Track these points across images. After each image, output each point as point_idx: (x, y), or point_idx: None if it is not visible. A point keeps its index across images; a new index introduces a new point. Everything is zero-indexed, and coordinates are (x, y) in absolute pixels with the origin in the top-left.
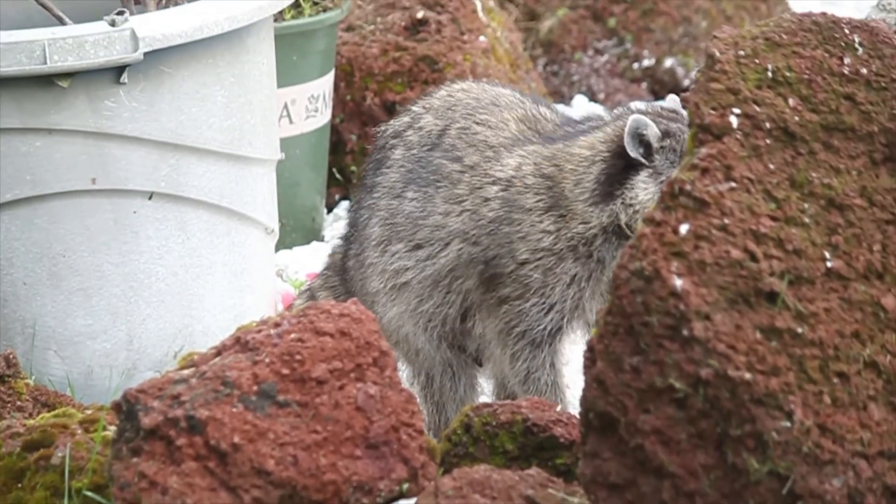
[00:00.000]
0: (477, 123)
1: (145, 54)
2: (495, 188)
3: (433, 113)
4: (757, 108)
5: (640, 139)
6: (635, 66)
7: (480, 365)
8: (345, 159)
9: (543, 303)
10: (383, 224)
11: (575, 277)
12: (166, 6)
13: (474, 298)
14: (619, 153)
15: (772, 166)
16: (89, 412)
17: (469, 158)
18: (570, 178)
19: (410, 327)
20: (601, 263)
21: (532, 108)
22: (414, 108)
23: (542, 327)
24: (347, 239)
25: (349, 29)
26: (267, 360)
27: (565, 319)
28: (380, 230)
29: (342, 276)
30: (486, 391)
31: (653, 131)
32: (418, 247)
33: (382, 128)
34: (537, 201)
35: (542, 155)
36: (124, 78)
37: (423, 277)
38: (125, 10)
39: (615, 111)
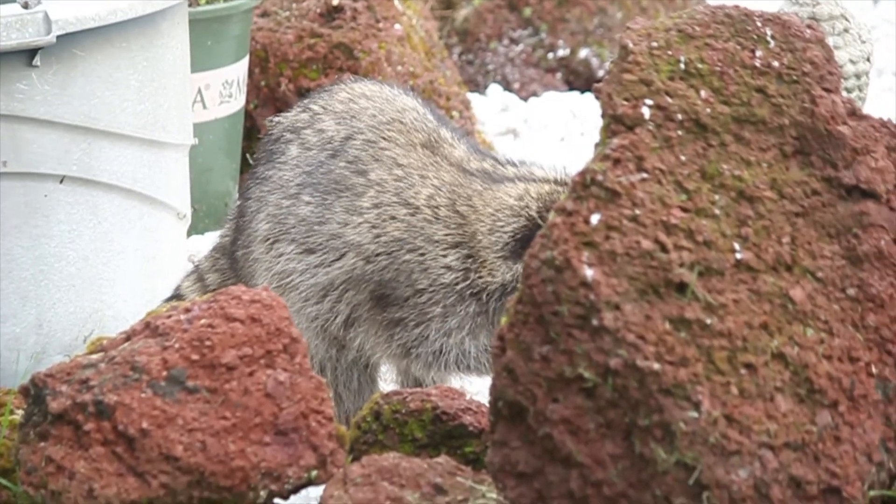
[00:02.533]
0: (384, 139)
1: (58, 37)
2: (404, 211)
3: (334, 117)
4: (669, 100)
5: None
6: (550, 56)
7: (366, 367)
8: (258, 145)
9: (442, 328)
10: (272, 221)
11: (474, 315)
12: None
13: (361, 313)
14: (546, 218)
15: (683, 158)
16: None
17: (375, 174)
18: (487, 223)
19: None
20: (494, 317)
21: (434, 131)
22: (313, 107)
23: (440, 344)
24: (236, 226)
25: (264, 15)
26: (177, 345)
27: (467, 339)
28: (267, 226)
29: (231, 261)
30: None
31: None
32: (310, 251)
33: (277, 119)
34: (446, 235)
35: (459, 192)
36: (37, 61)
37: (313, 283)
38: None
39: (551, 168)
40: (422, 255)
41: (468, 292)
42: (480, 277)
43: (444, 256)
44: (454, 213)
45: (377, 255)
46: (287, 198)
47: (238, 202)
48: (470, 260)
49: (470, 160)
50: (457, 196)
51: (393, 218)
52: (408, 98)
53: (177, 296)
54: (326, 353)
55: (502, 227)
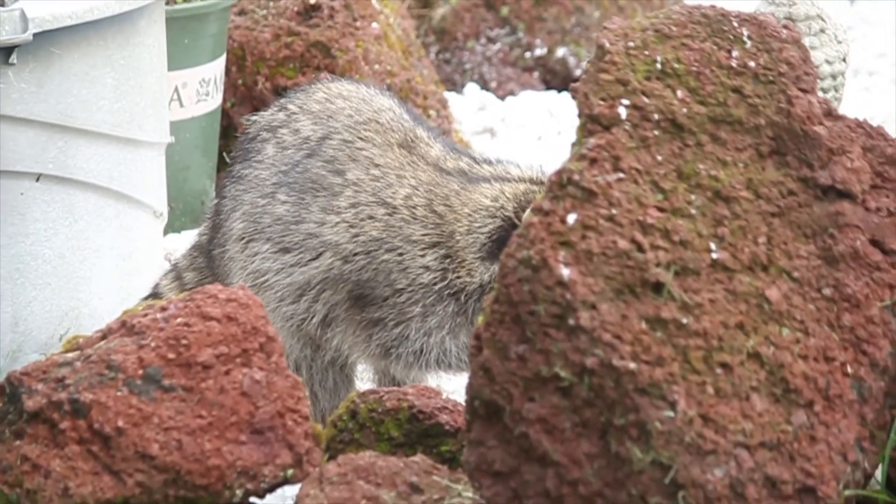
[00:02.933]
0: (361, 139)
1: (35, 35)
2: (382, 210)
3: (310, 117)
4: (646, 100)
5: None
6: (527, 55)
7: (342, 367)
8: (235, 144)
9: (422, 328)
10: (247, 220)
11: (453, 315)
12: None
13: (339, 313)
14: (522, 217)
15: (659, 157)
16: None
17: (352, 173)
18: (464, 224)
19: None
20: (473, 317)
21: (411, 130)
22: (290, 107)
23: (421, 344)
24: (212, 225)
25: (241, 13)
26: (153, 344)
27: (447, 338)
28: (242, 225)
29: (208, 259)
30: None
31: None
32: (286, 251)
33: (253, 118)
34: (423, 235)
35: (436, 192)
36: (13, 58)
37: (289, 283)
38: None
39: (527, 167)
40: (400, 254)
41: (446, 292)
42: (459, 277)
43: (423, 256)
44: (431, 213)
45: (355, 254)
46: (262, 197)
47: (214, 201)
48: (448, 260)
49: (446, 159)
50: (434, 196)
51: (371, 217)
52: (384, 98)
53: (154, 294)
54: (301, 352)
55: (479, 227)
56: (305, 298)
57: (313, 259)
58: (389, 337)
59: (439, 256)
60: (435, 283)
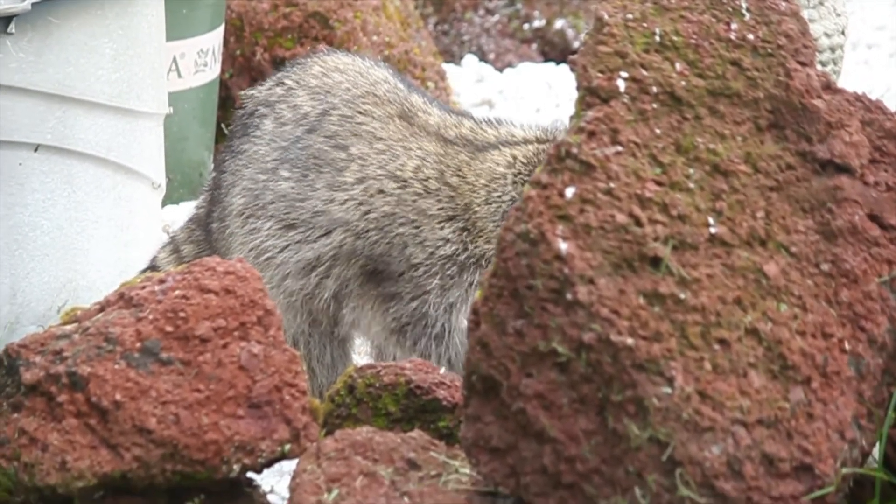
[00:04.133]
0: (361, 113)
1: (33, 4)
2: (392, 184)
3: (308, 92)
4: (644, 73)
5: None
6: (526, 26)
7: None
8: (233, 115)
9: (442, 303)
10: (248, 195)
11: (473, 285)
12: None
13: (352, 288)
14: None
15: (658, 131)
16: None
17: (355, 148)
18: (481, 194)
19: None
20: None
21: (406, 99)
22: (287, 81)
23: (441, 324)
24: (211, 199)
25: None
26: (150, 316)
27: (463, 314)
28: (242, 201)
29: (206, 233)
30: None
31: None
32: (291, 227)
33: (250, 92)
34: (440, 209)
35: (446, 162)
36: (11, 28)
37: (297, 259)
38: None
39: (528, 127)
40: (416, 227)
41: (469, 262)
42: (478, 247)
43: (441, 229)
44: (445, 186)
45: (367, 231)
46: (263, 172)
47: (213, 174)
48: (465, 233)
49: (447, 126)
50: (444, 167)
51: (381, 192)
52: (379, 69)
53: (152, 267)
54: (300, 327)
55: (499, 196)
56: (315, 274)
57: (323, 235)
58: (405, 311)
59: (457, 229)
60: (457, 255)
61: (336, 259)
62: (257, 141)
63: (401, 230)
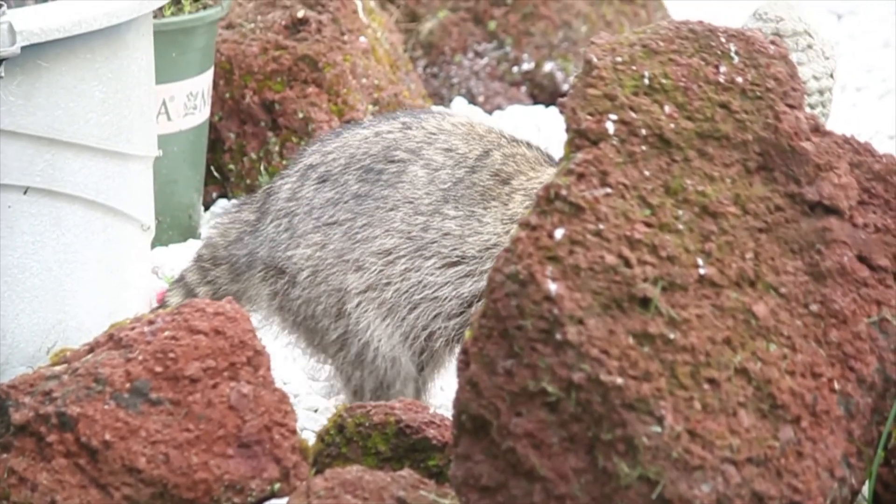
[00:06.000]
0: (518, 154)
1: (23, 48)
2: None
3: (459, 137)
4: (633, 115)
5: None
6: (515, 69)
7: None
8: (223, 157)
9: None
10: (398, 236)
11: None
12: (45, 0)
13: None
14: None
15: (647, 173)
16: None
17: (517, 181)
18: None
19: (398, 347)
20: None
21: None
22: (426, 126)
23: None
24: (277, 242)
25: (229, 27)
26: (140, 357)
27: None
28: (392, 241)
29: (241, 269)
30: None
31: None
32: (456, 264)
33: (385, 131)
34: None
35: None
36: (1, 71)
37: (461, 293)
38: (3, 3)
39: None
40: None
41: None
42: None
43: None
44: None
45: None
46: (420, 214)
47: (324, 212)
48: None
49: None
50: None
51: None
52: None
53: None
54: (407, 372)
55: None
56: (473, 307)
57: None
58: None
59: None
60: None
61: None
62: (405, 188)
63: None
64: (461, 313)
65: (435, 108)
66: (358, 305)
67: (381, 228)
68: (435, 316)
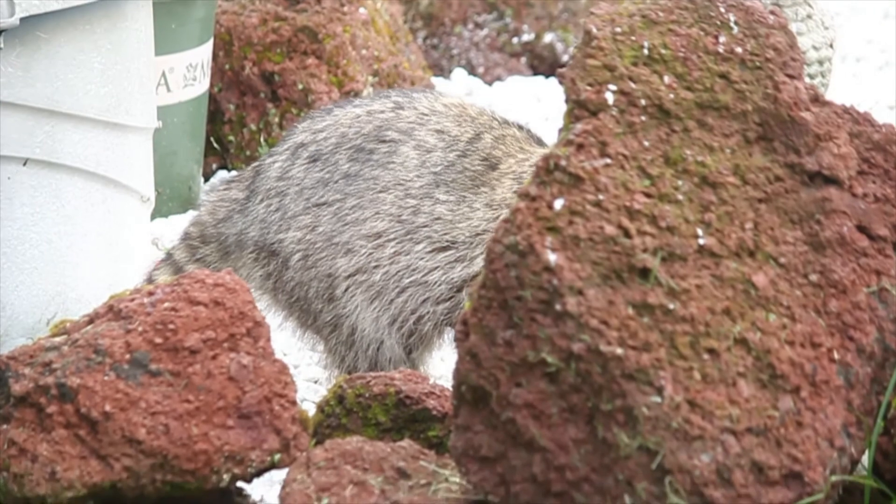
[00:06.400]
0: (508, 135)
1: (21, 19)
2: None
3: (451, 119)
4: (633, 85)
5: None
6: (515, 40)
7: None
8: (223, 129)
9: None
10: (389, 220)
11: None
12: None
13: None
14: None
15: (646, 143)
16: None
17: (505, 164)
18: None
19: (386, 330)
20: None
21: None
22: (418, 107)
23: None
24: (268, 220)
25: None
26: (140, 328)
27: None
28: (383, 225)
29: (230, 248)
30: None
31: None
32: (446, 248)
33: (377, 111)
34: None
35: None
36: (0, 43)
37: (450, 278)
38: None
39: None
40: None
41: None
42: None
43: None
44: None
45: None
46: (412, 197)
47: (316, 190)
48: None
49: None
50: None
51: None
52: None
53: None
54: (398, 355)
55: None
56: (463, 292)
57: (481, 254)
58: None
59: None
60: None
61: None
62: (396, 168)
63: None
64: (450, 298)
65: (434, 79)
66: (346, 290)
67: (372, 210)
68: (424, 300)
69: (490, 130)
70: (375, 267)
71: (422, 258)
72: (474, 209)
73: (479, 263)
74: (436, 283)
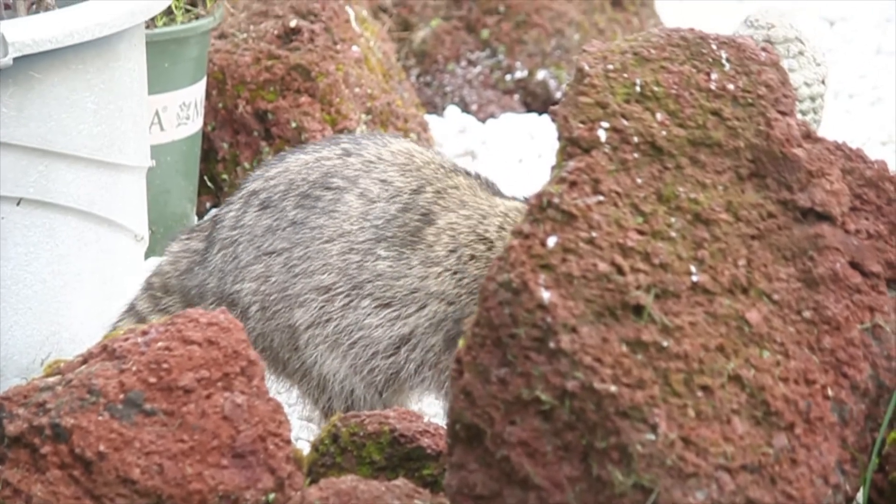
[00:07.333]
0: (452, 187)
1: (15, 59)
2: (482, 247)
3: (398, 169)
4: (625, 123)
5: None
6: (508, 77)
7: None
8: (216, 167)
9: None
10: (336, 273)
11: None
12: (37, 11)
13: (430, 357)
14: None
15: (639, 180)
16: None
17: (443, 220)
18: None
19: (350, 377)
20: None
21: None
22: (365, 154)
23: None
24: (216, 268)
25: (222, 36)
26: (134, 368)
27: None
28: (330, 279)
29: (184, 296)
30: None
31: None
32: (387, 306)
33: (325, 158)
34: None
35: (513, 218)
36: None
37: (391, 335)
38: None
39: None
40: None
41: None
42: None
43: None
44: None
45: (459, 296)
46: (356, 252)
47: (266, 238)
48: None
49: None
50: (510, 221)
51: (472, 258)
52: (428, 151)
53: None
54: (370, 404)
55: None
56: (405, 349)
57: (419, 310)
58: None
59: None
60: None
61: (428, 329)
62: (341, 217)
63: None
64: (392, 355)
65: (427, 117)
66: (308, 340)
67: (319, 262)
68: (373, 354)
69: (433, 182)
70: (327, 321)
71: (369, 314)
72: (411, 266)
73: (412, 323)
74: (380, 339)
